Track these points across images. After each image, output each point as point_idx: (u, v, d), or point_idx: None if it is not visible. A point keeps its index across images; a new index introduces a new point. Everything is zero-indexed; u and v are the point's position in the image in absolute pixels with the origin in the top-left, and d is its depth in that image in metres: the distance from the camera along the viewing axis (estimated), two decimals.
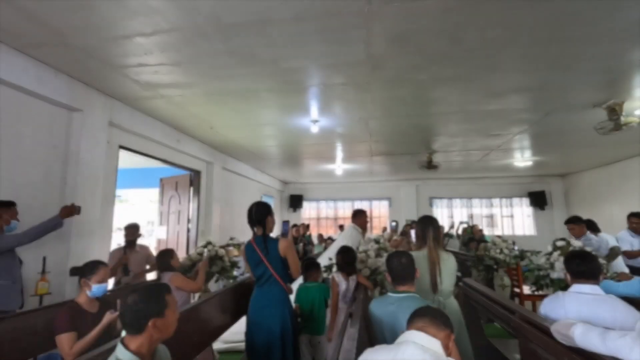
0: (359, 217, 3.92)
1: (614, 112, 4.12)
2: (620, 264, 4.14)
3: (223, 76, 3.41)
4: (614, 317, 1.65)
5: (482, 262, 5.03)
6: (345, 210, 12.13)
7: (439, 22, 2.51)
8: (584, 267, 1.84)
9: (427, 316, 1.22)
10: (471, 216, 11.16)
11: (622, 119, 4.08)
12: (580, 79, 3.54)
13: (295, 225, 7.38)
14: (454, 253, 6.38)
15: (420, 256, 2.31)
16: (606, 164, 8.46)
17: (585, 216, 4.63)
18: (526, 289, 4.46)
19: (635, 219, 4.30)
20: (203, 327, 2.54)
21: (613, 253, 4.12)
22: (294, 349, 2.38)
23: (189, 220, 5.99)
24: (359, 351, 1.44)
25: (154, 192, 8.62)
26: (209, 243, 3.72)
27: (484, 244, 5.41)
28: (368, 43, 2.80)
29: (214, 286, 4.33)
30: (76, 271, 2.29)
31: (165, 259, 3.09)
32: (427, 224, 2.49)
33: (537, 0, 2.27)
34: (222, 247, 4.05)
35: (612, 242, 4.31)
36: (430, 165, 7.02)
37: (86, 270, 2.25)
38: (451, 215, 11.23)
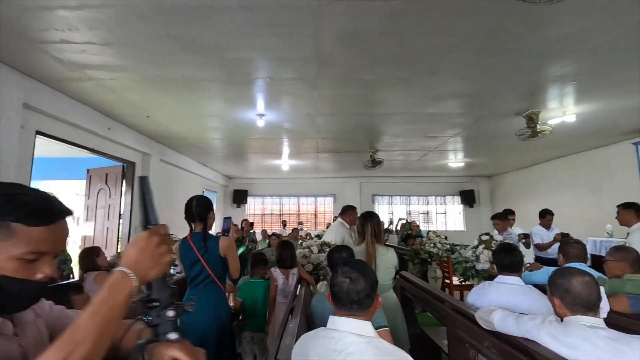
0: (348, 213, 3.92)
1: (532, 120, 4.62)
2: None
3: (163, 62, 3.18)
4: (530, 304, 1.85)
5: (418, 256, 5.35)
6: (290, 206, 12.12)
7: (385, 24, 2.60)
8: (510, 260, 2.03)
9: (354, 304, 1.16)
10: (409, 213, 11.82)
11: (538, 127, 4.60)
12: (507, 89, 3.90)
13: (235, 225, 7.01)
14: (394, 247, 6.70)
15: (358, 251, 2.39)
16: (525, 167, 9.49)
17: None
18: (455, 280, 4.84)
19: (548, 215, 4.88)
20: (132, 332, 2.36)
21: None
22: (232, 352, 2.29)
23: (120, 216, 5.53)
24: None
25: (80, 184, 7.82)
26: None
27: (420, 238, 5.75)
28: (317, 39, 2.80)
29: None
30: None
31: (90, 258, 2.81)
32: (367, 219, 2.59)
33: (474, 12, 2.45)
34: None
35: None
36: (374, 163, 7.28)
37: None
38: (391, 211, 11.78)
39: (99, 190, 5.66)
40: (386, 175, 10.93)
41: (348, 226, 3.91)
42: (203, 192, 9.44)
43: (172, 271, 3.82)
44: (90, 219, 5.60)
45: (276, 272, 3.01)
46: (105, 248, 5.20)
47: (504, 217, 4.78)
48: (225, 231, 2.40)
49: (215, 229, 9.05)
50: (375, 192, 11.82)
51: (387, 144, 6.64)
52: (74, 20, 2.50)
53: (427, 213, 11.99)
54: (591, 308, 1.28)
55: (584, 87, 3.84)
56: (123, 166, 5.65)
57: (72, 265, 5.05)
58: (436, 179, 11.50)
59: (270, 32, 2.68)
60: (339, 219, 4.00)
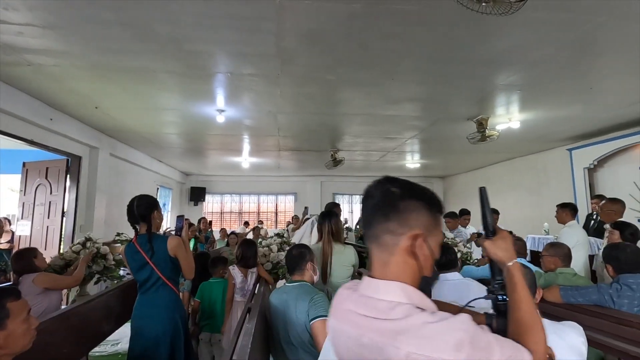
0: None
1: (482, 125, 4.93)
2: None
3: (113, 50, 2.99)
4: (470, 296, 1.97)
5: None
6: (250, 204, 11.92)
7: (346, 26, 2.64)
8: (446, 258, 2.15)
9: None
10: None
11: (487, 131, 4.91)
12: (459, 95, 4.13)
13: (191, 225, 6.01)
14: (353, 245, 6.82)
15: (315, 248, 2.44)
16: (475, 169, 10.10)
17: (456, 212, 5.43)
18: None
19: (495, 215, 5.24)
20: (77, 336, 2.21)
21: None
22: (187, 356, 2.20)
23: (63, 214, 5.12)
24: (254, 347, 1.42)
25: (16, 179, 7.12)
26: (88, 239, 3.23)
27: None
28: (279, 36, 2.78)
29: (94, 289, 3.80)
30: None
31: (26, 260, 2.57)
32: (325, 218, 2.66)
33: (428, 21, 2.56)
34: (107, 244, 3.57)
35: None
36: (335, 162, 7.36)
37: None
38: (351, 210, 12.01)
39: (37, 185, 5.20)
40: (347, 175, 11.11)
41: None
42: (157, 189, 9.00)
43: (121, 272, 3.61)
44: (27, 217, 5.13)
45: (234, 271, 2.96)
46: (45, 249, 4.80)
47: (455, 216, 5.05)
48: (178, 230, 2.30)
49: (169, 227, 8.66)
50: (336, 191, 11.97)
51: (348, 143, 6.75)
52: None
53: None
54: None
55: (527, 96, 4.16)
56: (67, 160, 5.23)
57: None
58: None
59: (230, 25, 2.62)
60: None
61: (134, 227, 2.16)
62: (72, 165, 5.30)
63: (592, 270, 3.67)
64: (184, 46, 2.93)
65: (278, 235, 3.82)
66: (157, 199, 2.28)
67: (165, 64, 3.28)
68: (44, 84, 3.73)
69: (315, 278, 2.04)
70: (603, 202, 3.67)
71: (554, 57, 3.14)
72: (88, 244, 3.18)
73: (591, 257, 3.77)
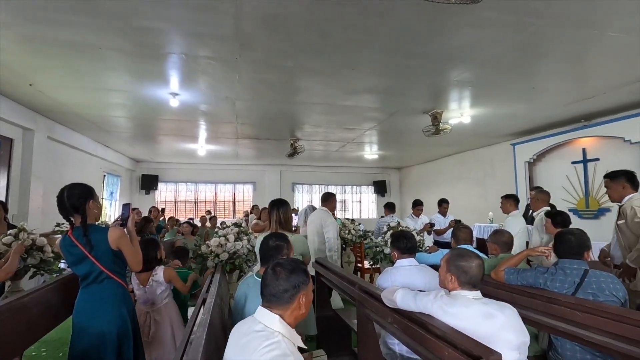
0: (330, 200, 4.03)
1: (436, 119, 5.14)
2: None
3: (50, 21, 2.70)
4: (425, 281, 2.09)
5: None
6: (207, 193, 11.54)
7: (307, 13, 2.59)
8: (410, 244, 2.25)
9: (272, 299, 1.24)
10: None
11: (441, 125, 5.14)
12: (416, 88, 4.26)
13: (147, 220, 4.97)
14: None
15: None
16: (429, 161, 10.56)
17: (410, 202, 5.68)
18: (366, 264, 5.19)
19: (444, 204, 5.53)
20: (10, 335, 2.01)
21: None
22: (136, 353, 2.09)
23: None
24: (209, 338, 1.39)
25: None
26: (21, 230, 2.94)
27: None
28: (237, 18, 2.67)
29: (29, 284, 3.48)
30: None
31: None
32: (274, 207, 2.69)
33: (386, 12, 2.59)
34: (45, 235, 3.27)
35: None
36: (295, 150, 7.32)
37: None
38: (310, 200, 12.07)
39: None
40: (306, 165, 11.12)
41: (330, 213, 4.01)
42: (104, 176, 8.41)
43: (61, 265, 3.35)
44: None
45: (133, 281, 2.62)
46: None
47: (392, 207, 5.41)
48: (123, 219, 2.15)
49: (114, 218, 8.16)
50: (296, 181, 11.95)
51: (308, 133, 6.73)
52: None
53: (343, 202, 12.58)
54: (476, 285, 1.51)
55: (477, 92, 4.40)
56: None
57: None
58: (353, 170, 12.11)
59: (184, 2, 2.46)
60: (321, 207, 4.02)
61: (68, 220, 1.97)
62: (2, 149, 4.77)
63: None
64: (132, 22, 2.71)
65: (235, 224, 3.73)
66: (93, 187, 2.05)
67: (111, 40, 3.02)
68: None
69: None
70: (532, 192, 4.01)
71: (502, 57, 3.33)
72: (21, 235, 2.89)
73: (527, 243, 4.11)
